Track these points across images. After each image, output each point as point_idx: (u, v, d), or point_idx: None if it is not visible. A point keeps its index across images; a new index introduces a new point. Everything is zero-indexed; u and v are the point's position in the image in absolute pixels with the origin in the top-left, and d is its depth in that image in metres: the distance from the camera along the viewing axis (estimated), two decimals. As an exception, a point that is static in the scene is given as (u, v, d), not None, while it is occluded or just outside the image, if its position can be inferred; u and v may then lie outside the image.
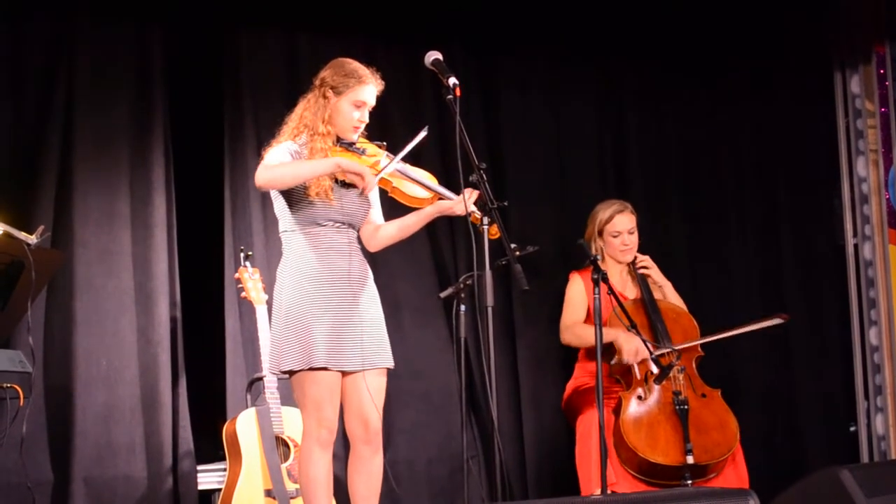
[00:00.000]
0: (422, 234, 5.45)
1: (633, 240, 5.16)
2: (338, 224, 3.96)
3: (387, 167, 3.91)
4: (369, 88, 3.98)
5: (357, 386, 3.95)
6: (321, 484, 3.90)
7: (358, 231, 4.06)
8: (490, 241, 3.81)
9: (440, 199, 4.01)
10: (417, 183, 4.01)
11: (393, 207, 4.14)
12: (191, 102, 5.27)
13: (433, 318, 5.51)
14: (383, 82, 4.03)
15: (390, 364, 4.02)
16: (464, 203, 3.84)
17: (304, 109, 4.02)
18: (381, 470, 4.01)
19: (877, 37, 6.17)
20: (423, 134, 3.95)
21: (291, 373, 3.92)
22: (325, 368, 3.85)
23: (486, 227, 3.82)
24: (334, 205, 3.92)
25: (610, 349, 4.89)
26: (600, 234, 5.16)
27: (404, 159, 3.98)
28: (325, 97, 3.98)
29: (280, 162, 3.88)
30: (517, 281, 3.71)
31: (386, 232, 4.11)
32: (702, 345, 4.99)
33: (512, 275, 3.74)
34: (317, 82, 4.02)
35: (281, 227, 4.01)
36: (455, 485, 5.31)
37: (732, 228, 6.23)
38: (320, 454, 3.90)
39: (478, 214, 3.87)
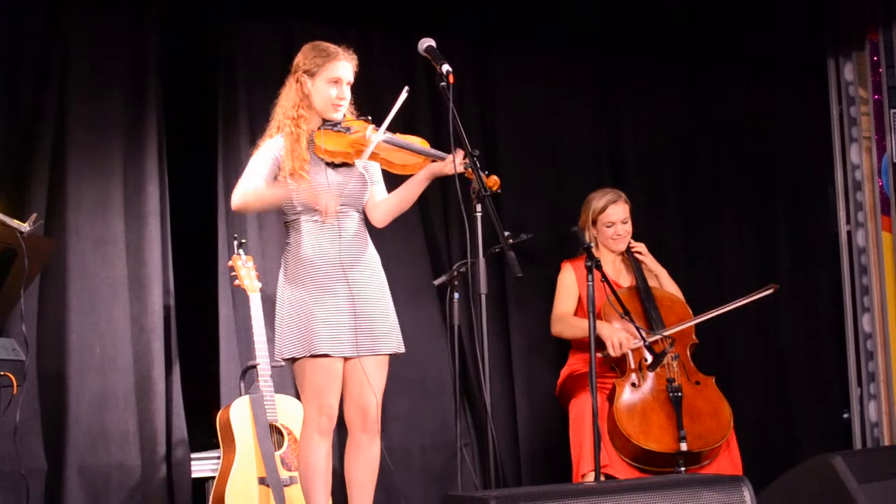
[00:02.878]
0: (415, 221, 5.46)
1: (627, 229, 5.15)
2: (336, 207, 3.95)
3: (370, 147, 3.90)
4: (341, 63, 4.01)
5: (356, 372, 3.94)
6: (320, 471, 3.91)
7: (362, 212, 4.06)
8: (483, 228, 3.80)
9: (432, 161, 4.01)
10: (405, 150, 4.01)
11: (395, 182, 4.14)
12: (185, 91, 5.26)
13: (427, 306, 5.51)
14: (356, 57, 4.06)
15: (396, 349, 4.02)
16: (453, 163, 3.82)
17: (283, 98, 4.08)
18: (378, 457, 4.02)
19: (870, 24, 6.16)
20: (403, 96, 3.93)
21: (293, 360, 3.92)
22: (326, 355, 3.85)
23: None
24: (332, 189, 3.92)
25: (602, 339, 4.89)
26: (594, 223, 5.15)
27: (392, 129, 3.98)
28: (298, 81, 4.02)
29: (248, 184, 3.93)
30: (511, 268, 3.70)
31: (386, 205, 4.10)
32: (696, 325, 4.96)
33: (506, 262, 3.73)
34: (292, 69, 4.06)
35: (283, 216, 4.03)
36: (449, 472, 5.31)
37: (728, 217, 6.23)
38: (319, 441, 3.91)
39: (470, 169, 3.84)
